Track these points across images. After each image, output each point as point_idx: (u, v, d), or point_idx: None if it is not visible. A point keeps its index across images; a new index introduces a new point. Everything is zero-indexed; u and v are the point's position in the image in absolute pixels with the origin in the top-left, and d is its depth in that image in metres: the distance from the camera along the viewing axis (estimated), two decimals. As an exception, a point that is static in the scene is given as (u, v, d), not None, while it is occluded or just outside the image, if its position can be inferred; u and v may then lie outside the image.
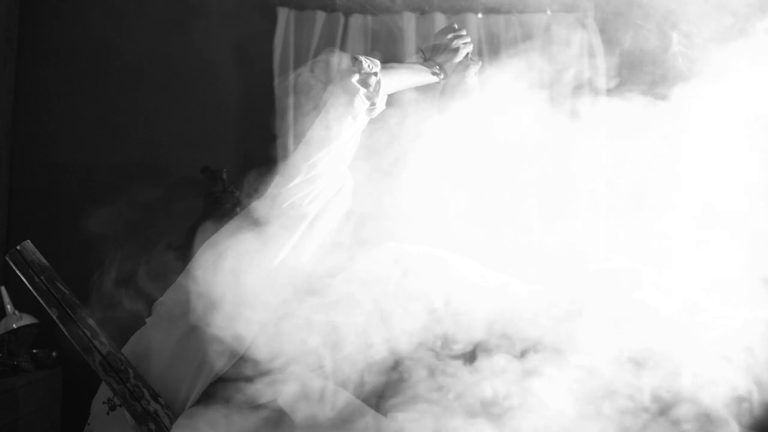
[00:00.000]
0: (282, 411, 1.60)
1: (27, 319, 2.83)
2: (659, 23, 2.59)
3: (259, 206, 1.69)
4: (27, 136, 3.43)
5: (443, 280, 1.63)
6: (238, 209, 2.68)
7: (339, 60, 1.76)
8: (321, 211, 1.71)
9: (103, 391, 1.71)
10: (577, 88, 3.37)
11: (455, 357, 1.59)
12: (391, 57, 3.41)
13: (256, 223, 1.67)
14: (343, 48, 3.41)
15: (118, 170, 3.37)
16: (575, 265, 1.73)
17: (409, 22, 3.40)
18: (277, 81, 3.38)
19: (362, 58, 1.77)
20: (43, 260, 1.70)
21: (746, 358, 1.45)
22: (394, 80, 1.84)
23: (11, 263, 1.66)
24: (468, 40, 2.03)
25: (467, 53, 2.03)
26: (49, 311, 1.66)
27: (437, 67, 1.96)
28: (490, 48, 3.41)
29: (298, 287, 1.67)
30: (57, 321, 1.66)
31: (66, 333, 1.65)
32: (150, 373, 1.67)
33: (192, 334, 1.65)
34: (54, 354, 2.92)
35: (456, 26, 2.05)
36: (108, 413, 1.68)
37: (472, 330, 1.58)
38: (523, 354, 1.55)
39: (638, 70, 2.73)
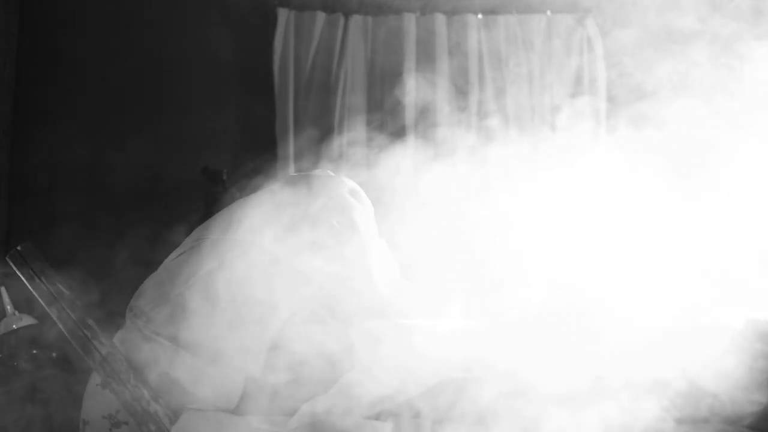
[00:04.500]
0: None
1: (27, 320, 2.82)
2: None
3: None
4: (27, 136, 3.43)
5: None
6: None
7: None
8: None
9: (101, 402, 1.69)
10: (577, 89, 3.37)
11: None
12: (391, 58, 3.41)
13: None
14: (343, 49, 3.41)
15: (118, 170, 3.36)
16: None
17: (409, 23, 3.40)
18: (277, 81, 3.39)
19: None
20: (43, 260, 1.69)
21: (747, 358, 1.45)
22: None
23: (11, 263, 1.66)
24: None
25: None
26: (49, 311, 1.66)
27: None
28: (490, 49, 3.41)
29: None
30: (57, 321, 1.66)
31: (66, 333, 1.65)
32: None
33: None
34: (54, 355, 2.92)
35: None
36: (110, 430, 1.67)
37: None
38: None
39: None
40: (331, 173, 1.90)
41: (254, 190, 1.98)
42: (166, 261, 1.79)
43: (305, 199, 1.79)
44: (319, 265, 1.68)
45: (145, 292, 1.75)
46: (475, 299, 1.83)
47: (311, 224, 1.75)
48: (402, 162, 2.16)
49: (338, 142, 3.32)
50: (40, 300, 1.67)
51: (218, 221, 1.82)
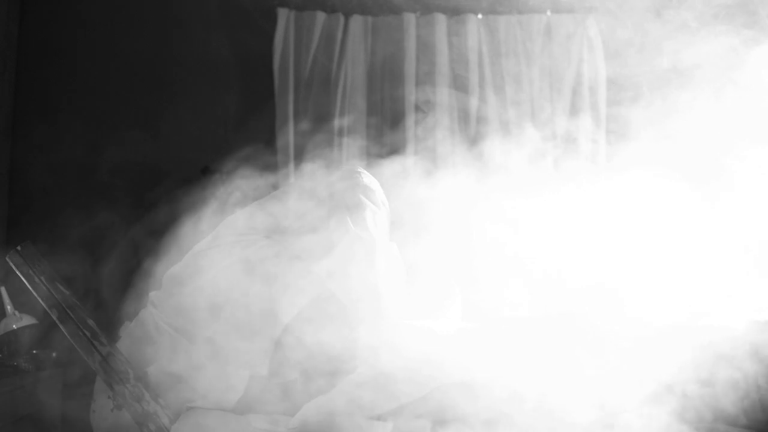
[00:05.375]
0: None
1: (27, 320, 2.82)
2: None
3: None
4: (27, 136, 3.43)
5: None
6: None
7: None
8: None
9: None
10: (577, 89, 3.37)
11: None
12: (391, 58, 3.41)
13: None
14: (343, 49, 3.41)
15: (118, 170, 3.36)
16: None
17: (409, 23, 3.40)
18: (277, 81, 3.38)
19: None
20: (43, 260, 1.70)
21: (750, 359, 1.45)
22: None
23: (11, 263, 1.66)
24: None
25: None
26: (49, 312, 1.66)
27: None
28: (491, 49, 3.41)
29: None
30: (57, 321, 1.66)
31: (66, 333, 1.65)
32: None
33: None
34: (54, 355, 2.92)
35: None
36: (112, 410, 1.68)
37: None
38: None
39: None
40: (355, 168, 1.91)
41: (254, 189, 1.98)
42: (188, 255, 1.81)
43: (320, 198, 1.80)
44: (326, 265, 1.69)
45: (164, 283, 1.78)
46: (473, 300, 1.83)
47: (323, 224, 1.76)
48: (401, 163, 2.16)
49: (338, 142, 3.32)
50: (40, 300, 1.67)
51: (236, 220, 1.83)
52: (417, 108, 3.32)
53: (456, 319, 1.83)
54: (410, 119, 3.33)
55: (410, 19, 3.40)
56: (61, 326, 1.65)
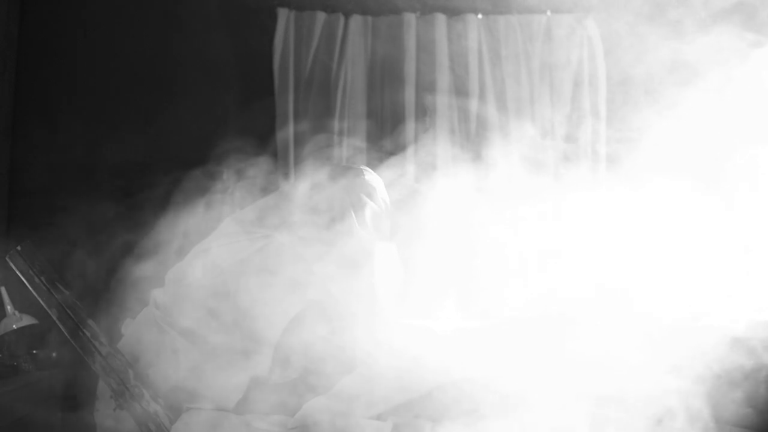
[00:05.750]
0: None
1: (27, 320, 2.82)
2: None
3: None
4: (27, 136, 3.43)
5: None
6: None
7: None
8: None
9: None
10: (577, 89, 3.37)
11: None
12: (391, 58, 3.41)
13: None
14: (343, 49, 3.41)
15: (118, 170, 3.36)
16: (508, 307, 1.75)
17: (409, 23, 3.40)
18: (277, 81, 3.38)
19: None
20: (43, 260, 1.70)
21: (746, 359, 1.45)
22: None
23: (11, 263, 1.66)
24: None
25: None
26: (49, 312, 1.66)
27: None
28: (491, 49, 3.41)
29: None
30: (57, 321, 1.66)
31: (66, 333, 1.65)
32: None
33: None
34: (54, 355, 2.92)
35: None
36: (114, 410, 1.68)
37: None
38: None
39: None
40: (357, 167, 1.91)
41: (254, 189, 1.98)
42: (189, 254, 1.81)
43: (321, 197, 1.80)
44: (326, 264, 1.69)
45: (167, 284, 1.77)
46: (473, 300, 1.84)
47: (323, 223, 1.76)
48: (401, 163, 2.16)
49: (338, 141, 3.32)
50: (40, 300, 1.67)
51: (236, 219, 1.83)
52: (425, 113, 3.32)
53: (455, 319, 1.83)
54: (410, 119, 3.33)
55: (410, 19, 3.40)
56: (61, 326, 1.65)
